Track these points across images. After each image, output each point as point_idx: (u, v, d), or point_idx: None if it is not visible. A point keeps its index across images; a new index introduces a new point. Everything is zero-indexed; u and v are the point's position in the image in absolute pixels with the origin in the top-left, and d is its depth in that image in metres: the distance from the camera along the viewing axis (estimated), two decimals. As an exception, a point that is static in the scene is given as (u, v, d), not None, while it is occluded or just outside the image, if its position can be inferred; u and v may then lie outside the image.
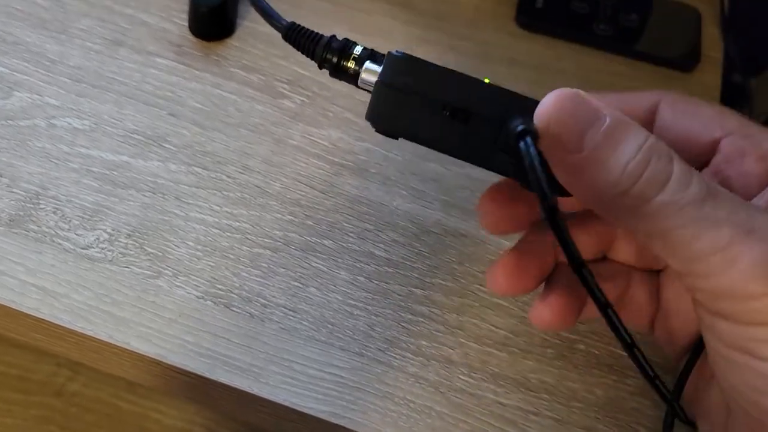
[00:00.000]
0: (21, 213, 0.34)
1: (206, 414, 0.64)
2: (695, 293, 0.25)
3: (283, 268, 0.34)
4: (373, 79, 0.26)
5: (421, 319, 0.34)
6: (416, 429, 0.31)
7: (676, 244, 0.24)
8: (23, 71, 0.38)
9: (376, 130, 0.26)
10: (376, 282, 0.34)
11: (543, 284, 0.30)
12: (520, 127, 0.23)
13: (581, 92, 0.24)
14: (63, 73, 0.38)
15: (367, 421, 0.31)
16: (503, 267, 0.28)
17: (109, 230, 0.34)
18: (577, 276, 0.23)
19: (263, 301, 0.33)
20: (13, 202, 0.34)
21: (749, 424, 0.26)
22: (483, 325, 0.34)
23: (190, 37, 0.41)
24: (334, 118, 0.39)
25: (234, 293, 0.33)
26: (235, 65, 0.40)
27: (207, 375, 0.31)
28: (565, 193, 0.25)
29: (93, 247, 0.34)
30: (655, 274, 0.31)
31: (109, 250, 0.34)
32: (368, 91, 0.26)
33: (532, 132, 0.23)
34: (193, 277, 0.34)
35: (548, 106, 0.24)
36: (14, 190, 0.35)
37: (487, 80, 0.25)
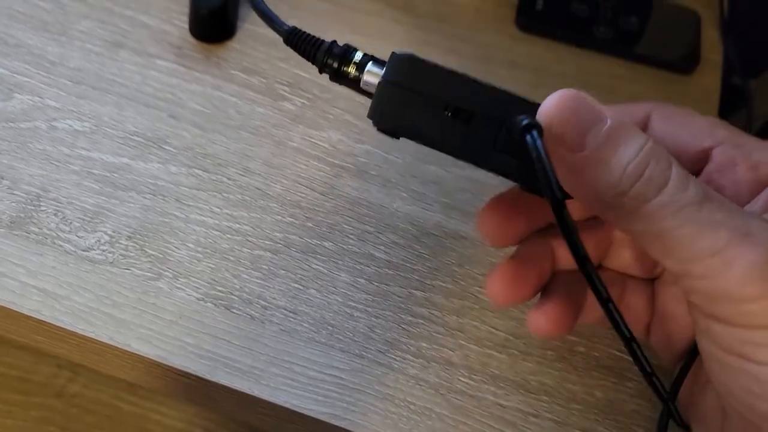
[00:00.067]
0: (22, 215, 0.34)
1: (206, 415, 0.64)
2: (691, 295, 0.25)
3: (284, 269, 0.34)
4: (375, 81, 0.26)
5: (422, 321, 0.34)
6: (416, 431, 0.31)
7: (674, 245, 0.24)
8: (24, 73, 0.38)
9: (378, 129, 0.26)
10: (376, 284, 0.35)
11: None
12: (525, 121, 0.23)
13: (583, 93, 0.24)
14: (63, 75, 0.39)
15: (368, 423, 0.31)
16: (501, 276, 0.29)
17: (109, 232, 0.34)
18: (579, 268, 0.23)
19: (264, 302, 0.33)
20: (14, 204, 0.34)
21: (745, 427, 0.26)
22: (483, 327, 0.34)
23: (191, 39, 0.41)
24: (334, 121, 0.39)
25: (234, 295, 0.33)
26: (236, 67, 0.40)
27: (207, 377, 0.31)
28: (566, 195, 0.25)
29: (94, 249, 0.34)
30: (649, 282, 0.31)
31: (109, 252, 0.34)
32: (370, 94, 0.26)
33: (537, 126, 0.23)
34: (193, 278, 0.34)
35: (551, 105, 0.24)
36: (15, 192, 0.35)
37: None
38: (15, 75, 0.38)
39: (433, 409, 0.32)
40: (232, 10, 0.41)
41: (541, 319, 0.29)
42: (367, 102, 0.26)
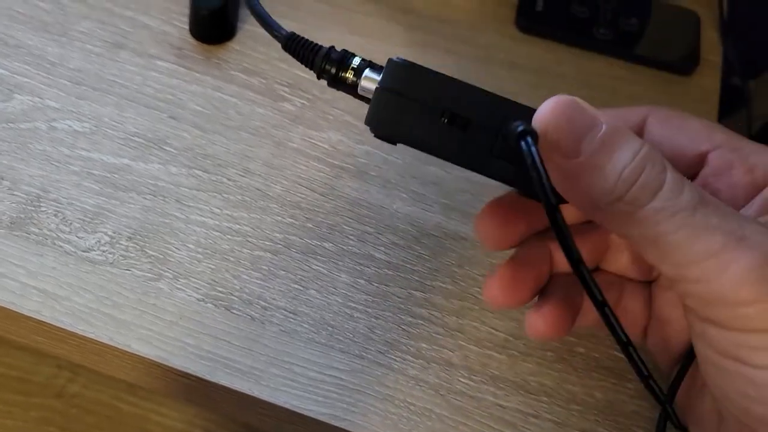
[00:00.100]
0: (22, 216, 0.34)
1: (206, 416, 0.64)
2: (686, 299, 0.25)
3: (284, 270, 0.34)
4: (372, 86, 0.26)
5: (421, 322, 0.34)
6: (416, 431, 0.31)
7: (669, 250, 0.24)
8: (24, 74, 0.38)
9: (375, 135, 0.26)
10: (376, 285, 0.35)
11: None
12: (520, 128, 0.23)
13: (578, 99, 0.25)
14: (63, 76, 0.39)
15: (368, 424, 0.31)
16: (499, 279, 0.29)
17: (110, 233, 0.34)
18: (574, 272, 0.24)
19: (264, 303, 0.33)
20: (14, 204, 0.35)
21: (741, 431, 0.26)
22: (483, 328, 0.34)
23: (191, 40, 0.41)
24: (334, 121, 0.39)
25: (234, 296, 0.33)
26: (236, 68, 0.40)
27: (208, 377, 0.31)
28: (561, 200, 0.25)
29: (94, 250, 0.34)
30: (647, 284, 0.31)
31: (110, 253, 0.34)
32: (367, 99, 0.27)
33: (532, 132, 0.23)
34: (193, 279, 0.34)
35: (546, 112, 0.24)
36: (15, 192, 0.35)
37: None
38: (15, 76, 0.38)
39: (433, 410, 0.32)
40: (232, 11, 0.41)
41: (539, 321, 0.29)
42: (366, 104, 0.26)
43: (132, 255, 0.34)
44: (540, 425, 0.32)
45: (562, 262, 0.30)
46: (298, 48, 0.29)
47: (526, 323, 0.29)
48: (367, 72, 0.27)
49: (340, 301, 0.34)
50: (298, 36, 0.29)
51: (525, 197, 0.28)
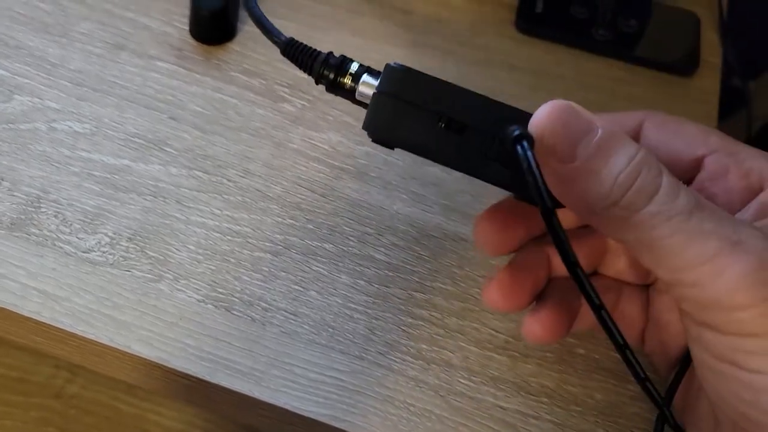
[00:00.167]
0: (22, 216, 0.34)
1: (206, 416, 0.64)
2: (682, 303, 0.25)
3: (284, 271, 0.34)
4: (370, 91, 0.27)
5: (422, 323, 0.34)
6: (416, 433, 0.32)
7: (665, 254, 0.24)
8: (24, 75, 0.38)
9: (373, 140, 0.27)
10: (376, 286, 0.35)
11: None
12: (516, 132, 0.24)
13: (574, 104, 0.25)
14: (64, 77, 0.39)
15: (368, 425, 0.31)
16: (498, 283, 0.29)
17: (110, 234, 0.34)
18: (570, 274, 0.24)
19: (264, 304, 0.33)
20: (14, 205, 0.35)
21: None
22: (483, 329, 0.34)
23: (191, 41, 0.41)
24: (334, 122, 0.39)
25: (235, 297, 0.33)
26: (236, 69, 0.40)
27: (208, 378, 0.31)
28: (558, 204, 0.25)
29: (94, 251, 0.34)
30: (644, 288, 0.31)
31: (110, 254, 0.34)
32: (365, 104, 0.27)
33: (528, 136, 0.24)
34: (194, 280, 0.34)
35: (542, 116, 0.24)
36: (15, 193, 0.35)
37: None
38: (15, 77, 0.38)
39: (433, 411, 0.32)
40: (232, 12, 0.41)
41: (535, 326, 0.29)
42: (365, 109, 0.26)
43: (132, 256, 0.34)
44: (540, 426, 0.32)
45: (559, 266, 0.30)
46: (297, 53, 0.29)
47: (523, 327, 0.29)
48: (364, 77, 0.27)
49: (341, 302, 0.34)
50: (297, 41, 0.29)
51: (522, 201, 0.28)
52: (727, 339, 0.24)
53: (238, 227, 0.35)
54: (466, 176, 0.38)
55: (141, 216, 0.35)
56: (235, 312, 0.33)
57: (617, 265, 0.31)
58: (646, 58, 0.44)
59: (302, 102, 0.40)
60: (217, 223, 0.35)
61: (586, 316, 0.30)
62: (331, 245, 0.35)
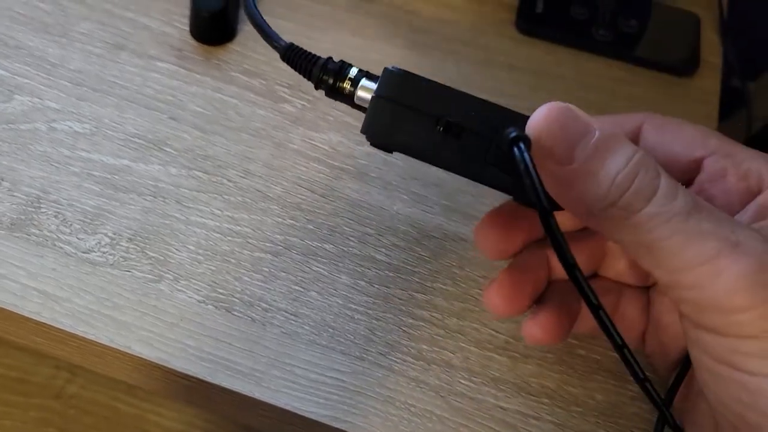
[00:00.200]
0: (22, 217, 0.34)
1: (206, 417, 0.64)
2: (681, 305, 0.25)
3: (284, 272, 0.34)
4: (369, 96, 0.27)
5: (422, 323, 0.34)
6: (417, 433, 0.32)
7: (663, 256, 0.24)
8: (24, 75, 0.38)
9: (371, 144, 0.27)
10: (376, 286, 0.35)
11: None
12: (513, 134, 0.24)
13: (572, 106, 0.25)
14: (64, 77, 0.39)
15: (368, 425, 0.31)
16: (499, 287, 0.29)
17: (110, 234, 0.34)
18: (567, 274, 0.24)
19: (264, 305, 0.33)
20: (14, 206, 0.34)
21: None
22: (484, 329, 0.34)
23: (191, 41, 0.41)
24: (334, 122, 0.39)
25: (235, 297, 0.33)
26: (236, 69, 0.40)
27: (208, 379, 0.31)
28: (556, 207, 0.25)
29: (94, 251, 0.34)
30: (645, 290, 0.31)
31: (110, 254, 0.34)
32: (363, 108, 0.27)
33: (525, 138, 0.24)
34: (194, 281, 0.34)
35: (539, 118, 0.24)
36: (15, 193, 0.35)
37: None
38: (15, 77, 0.38)
39: (433, 412, 0.32)
40: (232, 12, 0.41)
41: (535, 328, 0.29)
42: (364, 114, 0.26)
43: (132, 256, 0.34)
44: (541, 427, 0.32)
45: (559, 269, 0.30)
46: (297, 58, 0.29)
47: (522, 330, 0.29)
48: (363, 81, 0.27)
49: (341, 302, 0.34)
50: (297, 47, 0.29)
51: (521, 205, 0.28)
52: (725, 341, 0.24)
53: (239, 228, 0.35)
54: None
55: (141, 216, 0.35)
56: (235, 312, 0.33)
57: (617, 267, 0.31)
58: (646, 59, 0.44)
59: (302, 102, 0.40)
60: (217, 224, 0.35)
61: (586, 318, 0.30)
62: (332, 246, 0.35)
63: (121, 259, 0.34)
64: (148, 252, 0.34)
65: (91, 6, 0.41)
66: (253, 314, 0.33)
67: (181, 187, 0.36)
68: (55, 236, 0.34)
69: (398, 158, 0.38)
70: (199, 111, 0.38)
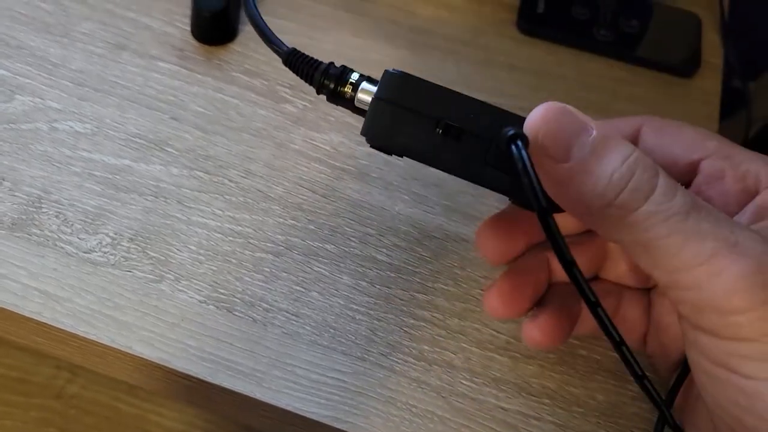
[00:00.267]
0: (23, 217, 0.34)
1: (207, 417, 0.64)
2: (679, 306, 0.25)
3: (286, 272, 0.34)
4: (369, 98, 0.27)
5: (423, 324, 0.34)
6: (418, 434, 0.32)
7: (661, 255, 0.24)
8: (25, 75, 0.38)
9: (371, 146, 0.27)
10: (378, 286, 0.35)
11: None
12: (510, 132, 0.24)
13: (569, 106, 0.25)
14: (65, 77, 0.39)
15: (370, 426, 0.31)
16: (499, 289, 0.29)
17: (111, 234, 0.34)
18: (566, 272, 0.24)
19: (266, 305, 0.33)
20: (15, 205, 0.34)
21: None
22: (485, 329, 0.34)
23: (193, 41, 0.41)
24: (335, 123, 0.39)
25: (236, 297, 0.33)
26: (237, 69, 0.40)
27: (209, 379, 0.31)
28: (556, 208, 0.25)
29: (95, 251, 0.34)
30: (645, 292, 0.31)
31: (111, 254, 0.34)
32: (364, 112, 0.27)
33: (522, 136, 0.24)
34: (195, 281, 0.34)
35: (537, 118, 0.25)
36: (16, 193, 0.35)
37: None
38: (17, 77, 0.38)
39: (435, 412, 0.32)
40: (233, 12, 0.41)
41: (534, 331, 0.29)
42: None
43: (133, 256, 0.34)
44: (542, 427, 0.32)
45: (559, 272, 0.30)
46: (298, 63, 0.29)
47: (522, 332, 0.30)
48: (363, 84, 0.28)
49: (342, 303, 0.34)
50: (299, 52, 0.30)
51: (521, 207, 0.28)
52: (723, 343, 0.24)
53: (240, 228, 0.35)
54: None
55: (142, 216, 0.35)
56: (236, 313, 0.33)
57: (618, 269, 0.31)
58: (647, 59, 0.44)
59: (304, 102, 0.40)
60: (218, 224, 0.35)
61: (587, 320, 0.30)
62: (333, 246, 0.35)
63: (122, 259, 0.34)
64: (150, 252, 0.34)
65: (92, 6, 0.41)
66: (255, 314, 0.33)
67: (183, 187, 0.36)
68: (56, 236, 0.34)
69: (399, 159, 0.38)
70: (200, 111, 0.38)
